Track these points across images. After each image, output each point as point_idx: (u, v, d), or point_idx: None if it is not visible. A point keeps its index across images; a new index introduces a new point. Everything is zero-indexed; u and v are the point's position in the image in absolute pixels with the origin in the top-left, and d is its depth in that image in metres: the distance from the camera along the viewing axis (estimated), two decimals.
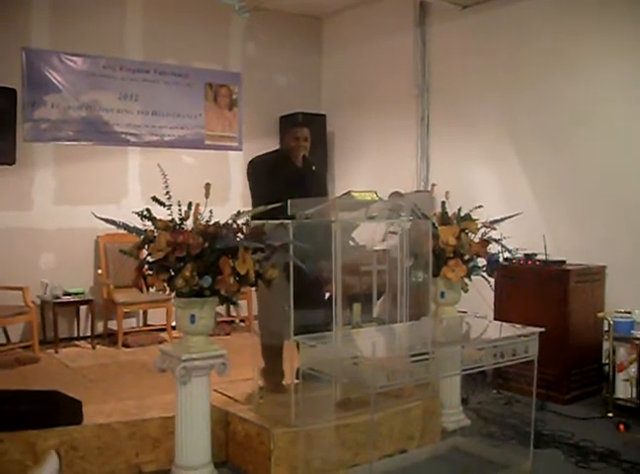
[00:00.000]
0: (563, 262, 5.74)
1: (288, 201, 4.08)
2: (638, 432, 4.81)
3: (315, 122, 8.33)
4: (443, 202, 4.94)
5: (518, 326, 4.15)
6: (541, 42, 6.43)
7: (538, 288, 5.67)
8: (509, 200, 6.54)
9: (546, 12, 6.39)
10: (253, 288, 3.82)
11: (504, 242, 4.89)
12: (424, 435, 4.56)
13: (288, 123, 7.65)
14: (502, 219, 4.92)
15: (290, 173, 4.78)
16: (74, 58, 7.23)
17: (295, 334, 3.81)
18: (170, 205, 3.59)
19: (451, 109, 7.39)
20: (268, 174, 4.76)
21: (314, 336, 3.68)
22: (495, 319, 5.51)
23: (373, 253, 4.65)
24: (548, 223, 6.22)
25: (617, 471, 4.17)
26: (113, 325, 7.06)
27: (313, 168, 4.90)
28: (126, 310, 6.93)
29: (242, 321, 8.04)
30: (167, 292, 3.64)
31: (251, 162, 4.99)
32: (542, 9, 6.44)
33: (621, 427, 4.86)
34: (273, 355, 4.56)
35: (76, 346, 6.93)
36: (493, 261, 4.93)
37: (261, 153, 5.08)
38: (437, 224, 4.82)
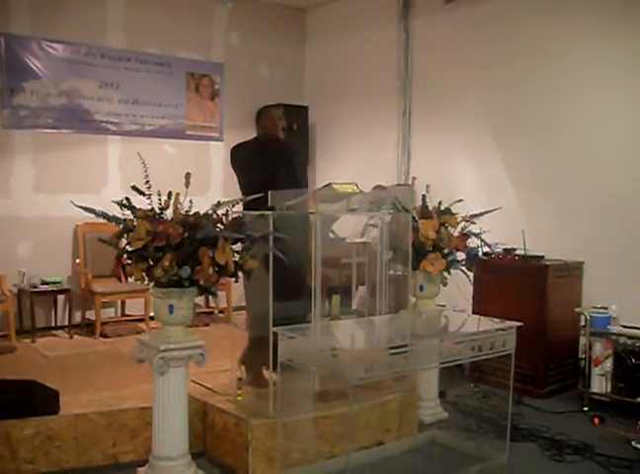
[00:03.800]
0: (542, 257, 5.78)
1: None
2: (612, 425, 4.87)
3: (297, 114, 8.33)
4: (424, 196, 4.95)
5: (496, 320, 4.18)
6: (525, 38, 6.44)
7: (517, 283, 5.70)
8: (489, 195, 6.56)
9: (531, 7, 6.40)
10: (232, 279, 3.79)
11: (483, 236, 4.92)
12: (401, 428, 4.59)
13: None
14: (481, 213, 4.95)
15: (275, 147, 4.87)
16: (55, 45, 7.14)
17: (277, 325, 3.80)
18: (150, 195, 3.58)
19: (434, 102, 7.40)
20: (253, 154, 4.82)
21: (293, 327, 3.67)
22: (473, 313, 5.54)
23: (353, 245, 4.65)
24: (528, 218, 6.25)
25: (592, 464, 4.22)
26: (90, 315, 7.02)
27: (295, 127, 5.07)
28: (104, 300, 6.90)
29: (221, 312, 8.01)
30: (146, 282, 3.62)
31: (233, 148, 5.06)
32: (527, 4, 6.45)
33: (596, 420, 4.91)
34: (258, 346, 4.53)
35: (53, 335, 6.87)
36: (472, 255, 4.95)
37: (237, 143, 5.12)
38: (417, 217, 4.83)
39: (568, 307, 5.62)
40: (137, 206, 3.61)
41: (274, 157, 4.76)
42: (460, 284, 5.02)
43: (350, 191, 4.35)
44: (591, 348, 5.32)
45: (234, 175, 4.94)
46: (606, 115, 5.84)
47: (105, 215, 3.62)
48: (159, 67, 7.88)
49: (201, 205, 3.66)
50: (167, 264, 3.43)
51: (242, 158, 4.90)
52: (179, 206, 3.59)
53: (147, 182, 3.62)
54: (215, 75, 8.37)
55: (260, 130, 5.06)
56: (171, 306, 3.59)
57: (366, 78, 8.14)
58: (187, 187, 3.61)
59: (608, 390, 5.24)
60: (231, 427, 4.08)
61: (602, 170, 5.83)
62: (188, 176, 3.64)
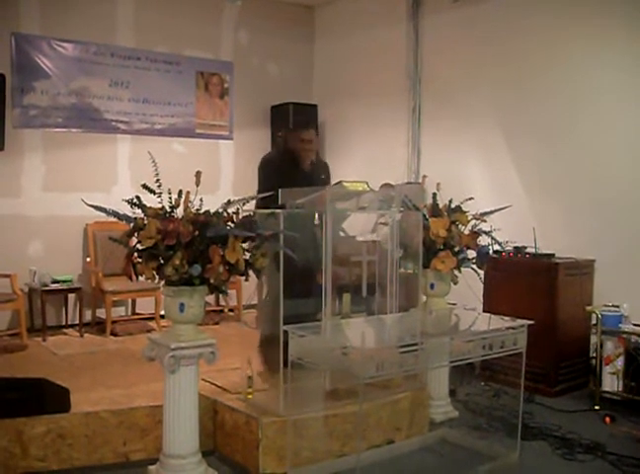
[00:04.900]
0: (552, 255, 5.76)
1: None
2: (624, 424, 4.85)
3: (307, 113, 8.33)
4: (434, 194, 4.94)
5: (506, 318, 4.17)
6: (533, 37, 6.42)
7: (527, 281, 5.68)
8: (499, 193, 6.54)
9: (539, 6, 6.37)
10: (243, 277, 3.79)
11: (494, 234, 4.90)
12: (412, 426, 4.58)
13: (279, 116, 7.62)
14: (492, 212, 4.94)
15: (298, 178, 4.80)
16: (64, 44, 7.16)
17: (288, 323, 3.79)
18: (160, 193, 3.58)
19: (443, 101, 7.38)
20: (275, 174, 4.77)
21: (304, 326, 3.67)
22: (484, 311, 5.52)
23: (363, 243, 4.64)
24: (538, 216, 6.23)
25: (603, 463, 4.20)
26: (101, 313, 7.04)
27: (322, 177, 4.93)
28: (115, 299, 6.91)
29: (231, 311, 8.03)
30: (156, 281, 3.63)
31: (263, 158, 5.03)
32: (535, 3, 6.42)
33: (607, 419, 4.89)
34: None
35: (64, 334, 6.89)
36: (483, 253, 4.93)
37: (270, 151, 5.09)
38: (427, 216, 4.82)
39: (579, 305, 5.60)
40: (148, 205, 3.61)
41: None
42: (471, 283, 5.00)
43: (360, 189, 4.34)
44: (602, 346, 5.30)
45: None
46: (615, 114, 5.80)
47: (115, 214, 3.62)
48: (169, 66, 7.89)
49: (212, 204, 3.67)
50: (177, 262, 3.44)
51: (269, 171, 4.89)
52: (189, 205, 3.59)
53: (157, 180, 3.62)
54: (225, 73, 8.37)
55: (285, 148, 5.04)
56: (182, 305, 3.59)
57: (376, 76, 8.13)
58: (197, 185, 3.62)
59: (620, 389, 5.22)
60: (242, 425, 4.09)
61: (612, 168, 5.80)
62: (198, 174, 3.64)
